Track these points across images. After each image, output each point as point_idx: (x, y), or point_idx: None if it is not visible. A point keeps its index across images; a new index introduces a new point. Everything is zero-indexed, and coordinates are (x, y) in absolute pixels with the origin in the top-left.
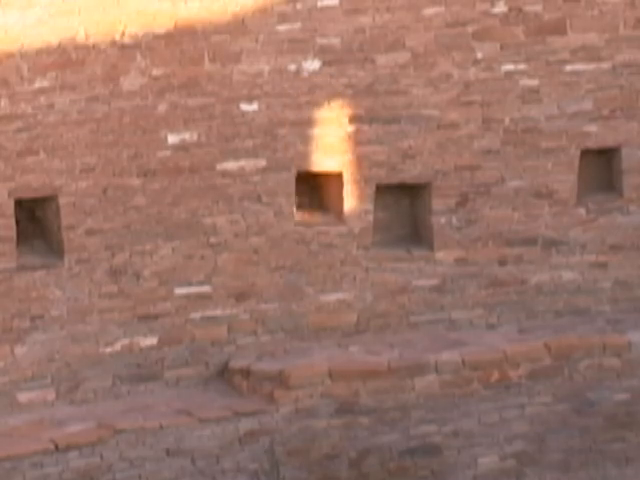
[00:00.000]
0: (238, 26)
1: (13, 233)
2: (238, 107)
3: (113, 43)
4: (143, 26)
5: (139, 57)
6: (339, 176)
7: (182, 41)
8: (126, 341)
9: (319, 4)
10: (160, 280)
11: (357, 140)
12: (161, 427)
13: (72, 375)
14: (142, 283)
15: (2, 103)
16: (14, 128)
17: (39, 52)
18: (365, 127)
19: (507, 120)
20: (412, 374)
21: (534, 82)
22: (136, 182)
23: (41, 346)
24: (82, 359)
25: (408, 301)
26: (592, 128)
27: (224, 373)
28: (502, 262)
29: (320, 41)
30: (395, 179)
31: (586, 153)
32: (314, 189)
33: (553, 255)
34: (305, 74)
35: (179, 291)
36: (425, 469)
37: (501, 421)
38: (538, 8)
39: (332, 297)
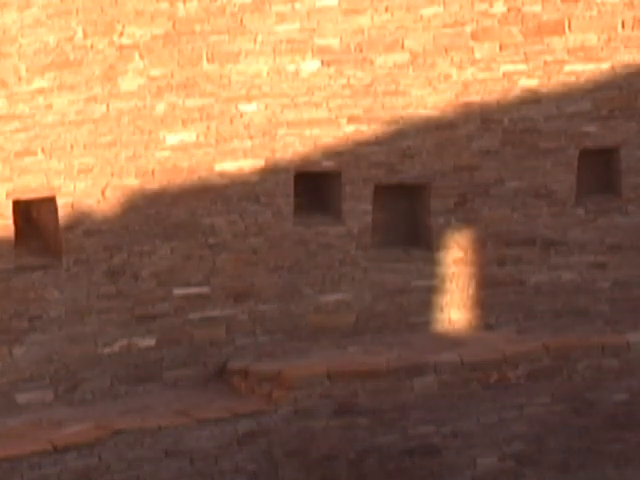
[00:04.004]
0: (236, 26)
1: (11, 234)
2: (236, 107)
3: (111, 43)
4: (141, 26)
5: (137, 57)
6: (338, 176)
7: (180, 41)
8: (124, 342)
9: (317, 4)
10: (158, 281)
11: (356, 140)
12: (159, 428)
13: (70, 376)
14: (140, 284)
15: (0, 103)
16: (12, 128)
17: (37, 52)
18: (364, 127)
19: (506, 120)
20: (411, 375)
21: (533, 82)
22: (134, 182)
23: (39, 347)
24: (80, 360)
25: (407, 301)
26: (591, 128)
27: (223, 374)
28: (501, 262)
29: (319, 41)
30: (394, 179)
31: (585, 153)
32: (313, 189)
33: (552, 255)
34: (304, 74)
35: (177, 292)
36: (424, 470)
37: (500, 422)
38: (537, 8)
39: (331, 298)
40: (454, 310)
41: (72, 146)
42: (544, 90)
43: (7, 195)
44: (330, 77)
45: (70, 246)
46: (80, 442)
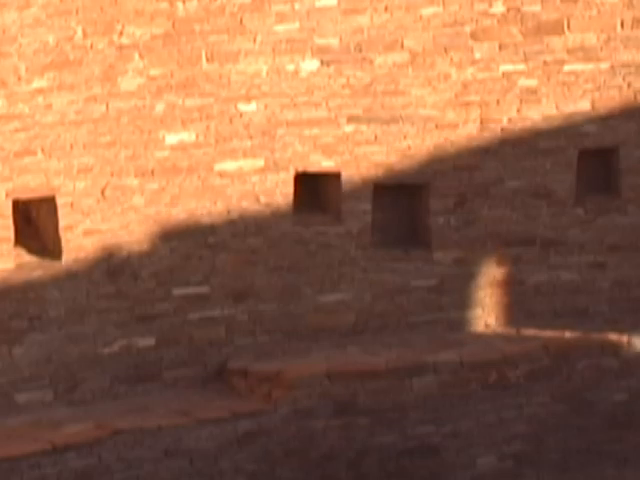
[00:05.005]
0: (236, 26)
1: (11, 233)
2: (236, 107)
3: (111, 43)
4: (141, 26)
5: (137, 57)
6: (337, 176)
7: (180, 41)
8: (124, 342)
9: (317, 4)
10: (158, 281)
11: (355, 140)
12: (159, 428)
13: (70, 376)
14: (140, 284)
15: (0, 103)
16: (12, 128)
17: (37, 52)
18: (363, 127)
19: (505, 120)
20: (410, 374)
21: (532, 82)
22: (134, 182)
23: (39, 347)
24: (80, 360)
25: (406, 301)
26: (590, 128)
27: (222, 374)
28: (500, 262)
29: (318, 41)
30: (393, 179)
31: (584, 153)
32: (312, 189)
33: (551, 255)
34: (303, 74)
35: (177, 292)
36: (423, 470)
37: (499, 421)
38: (536, 8)
39: (330, 297)
40: (453, 310)
41: (72, 146)
42: (544, 90)
43: (7, 195)
44: (330, 77)
45: (70, 246)
46: (80, 442)
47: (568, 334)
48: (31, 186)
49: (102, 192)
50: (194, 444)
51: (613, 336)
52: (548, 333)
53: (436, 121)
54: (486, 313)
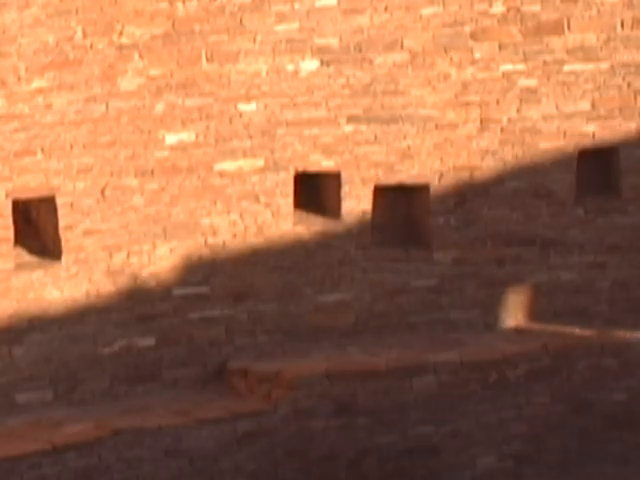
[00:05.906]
0: (236, 26)
1: (11, 233)
2: (236, 107)
3: (111, 43)
4: (141, 26)
5: (137, 57)
6: (337, 176)
7: (180, 41)
8: (124, 342)
9: (317, 4)
10: (158, 281)
11: (355, 140)
12: (159, 428)
13: (70, 376)
14: (140, 284)
15: (0, 103)
16: (11, 128)
17: (37, 52)
18: (363, 127)
19: (505, 120)
20: (410, 374)
21: (532, 82)
22: (134, 182)
23: (39, 347)
24: (80, 360)
25: (406, 301)
26: (590, 128)
27: (222, 374)
28: (500, 262)
29: (318, 41)
30: (393, 179)
31: (584, 153)
32: (312, 189)
33: (551, 255)
34: (303, 74)
35: (177, 292)
36: (423, 470)
37: (499, 421)
38: (536, 8)
39: (330, 297)
40: (453, 310)
41: (71, 146)
42: (543, 90)
43: (6, 195)
44: (329, 77)
45: (70, 246)
46: (80, 442)
47: (568, 334)
48: (31, 186)
49: (102, 192)
50: (194, 444)
51: (613, 336)
52: (548, 333)
53: (436, 121)
54: (486, 313)
